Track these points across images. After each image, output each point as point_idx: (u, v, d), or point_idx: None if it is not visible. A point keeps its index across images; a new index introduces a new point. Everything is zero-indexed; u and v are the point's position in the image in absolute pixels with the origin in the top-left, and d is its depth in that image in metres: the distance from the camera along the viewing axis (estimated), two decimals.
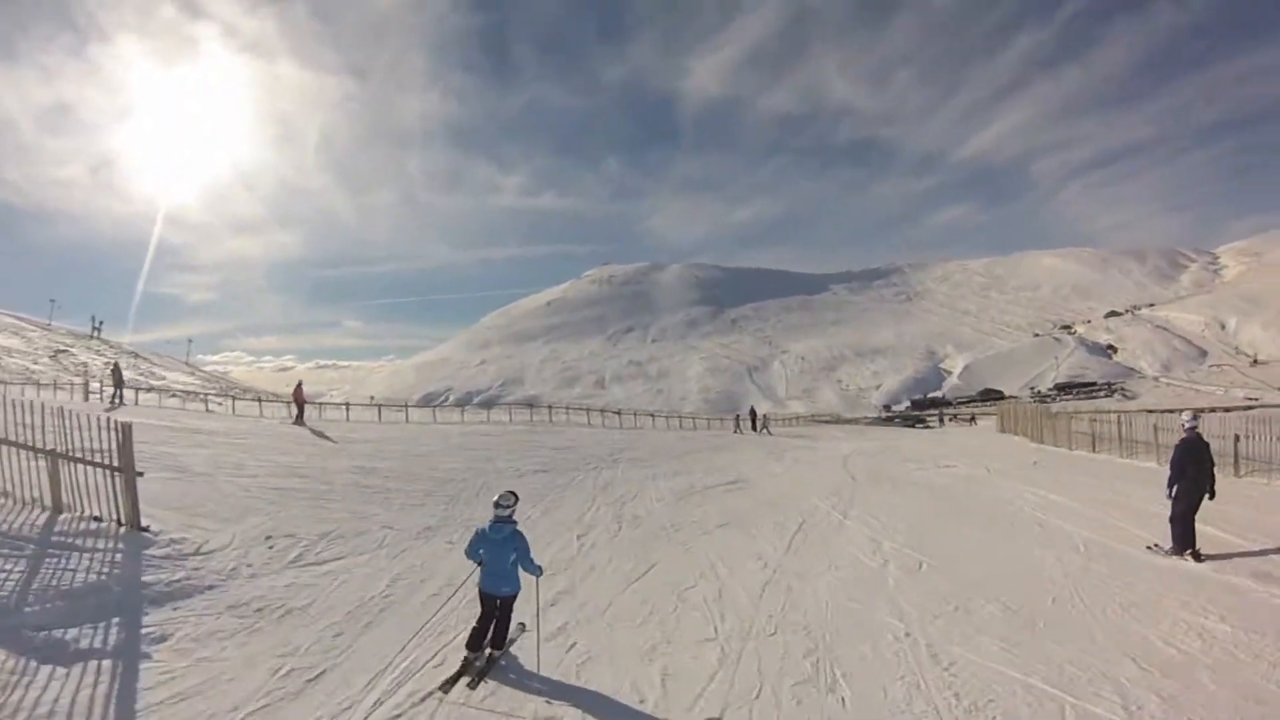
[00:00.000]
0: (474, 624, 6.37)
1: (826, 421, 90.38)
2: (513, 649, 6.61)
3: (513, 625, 6.61)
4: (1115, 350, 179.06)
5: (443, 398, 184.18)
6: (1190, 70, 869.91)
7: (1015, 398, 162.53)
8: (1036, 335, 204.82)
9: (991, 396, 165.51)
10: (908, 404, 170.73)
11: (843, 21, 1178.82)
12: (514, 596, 6.39)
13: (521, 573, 6.39)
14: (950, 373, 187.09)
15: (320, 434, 22.67)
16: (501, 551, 6.25)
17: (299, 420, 25.95)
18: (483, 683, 5.93)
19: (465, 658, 6.19)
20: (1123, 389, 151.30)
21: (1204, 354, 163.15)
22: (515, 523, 6.42)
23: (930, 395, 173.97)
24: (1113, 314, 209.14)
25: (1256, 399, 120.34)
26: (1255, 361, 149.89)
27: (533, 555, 6.43)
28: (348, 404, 37.02)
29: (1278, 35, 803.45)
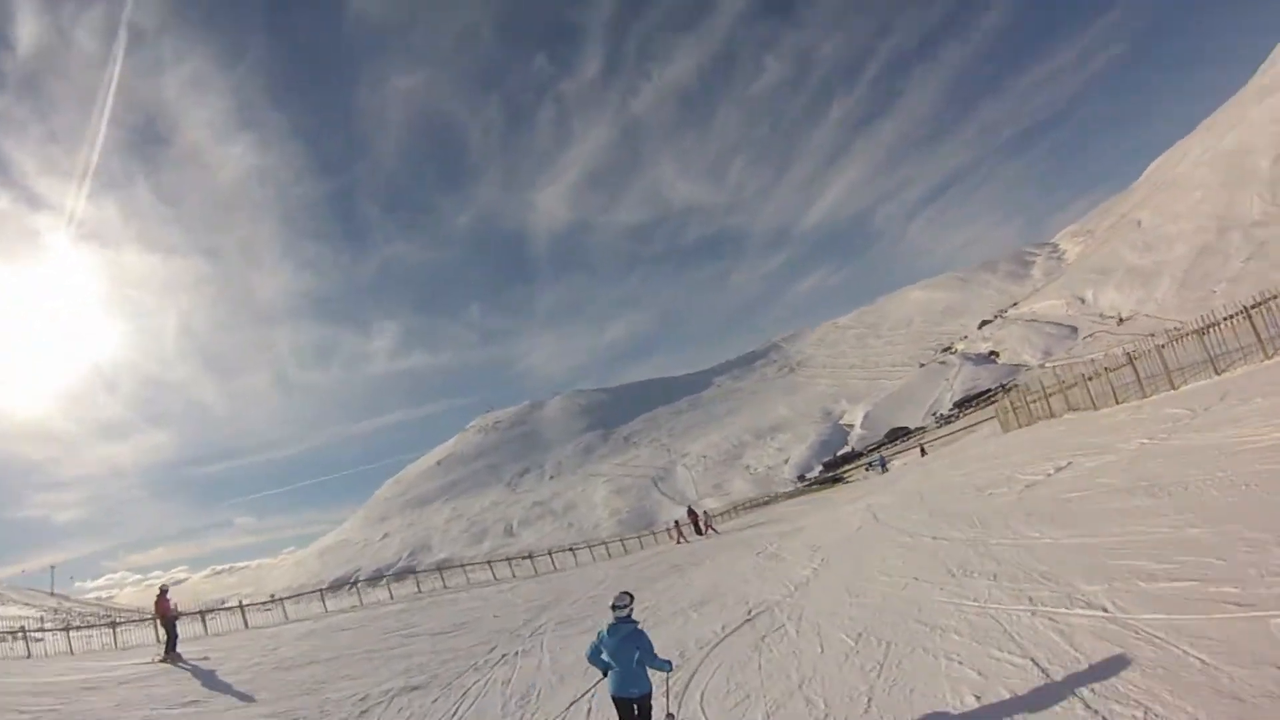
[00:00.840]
0: None
1: (762, 503, 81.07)
2: None
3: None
4: (998, 355, 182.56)
5: (352, 579, 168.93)
6: (985, 94, 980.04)
7: (922, 428, 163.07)
8: (922, 365, 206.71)
9: (899, 434, 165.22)
10: (819, 468, 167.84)
11: (669, 127, 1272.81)
12: (648, 696, 6.19)
13: (651, 672, 6.23)
14: (852, 425, 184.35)
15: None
16: (624, 652, 6.13)
17: (170, 651, 16.97)
18: None
19: None
20: (1016, 384, 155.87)
21: (1074, 330, 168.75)
22: (635, 622, 6.36)
23: (840, 453, 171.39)
24: (985, 323, 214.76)
25: (1133, 349, 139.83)
26: (1121, 320, 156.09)
27: (656, 652, 6.28)
28: (241, 604, 29.81)
29: (1051, 41, 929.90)
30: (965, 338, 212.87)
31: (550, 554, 42.25)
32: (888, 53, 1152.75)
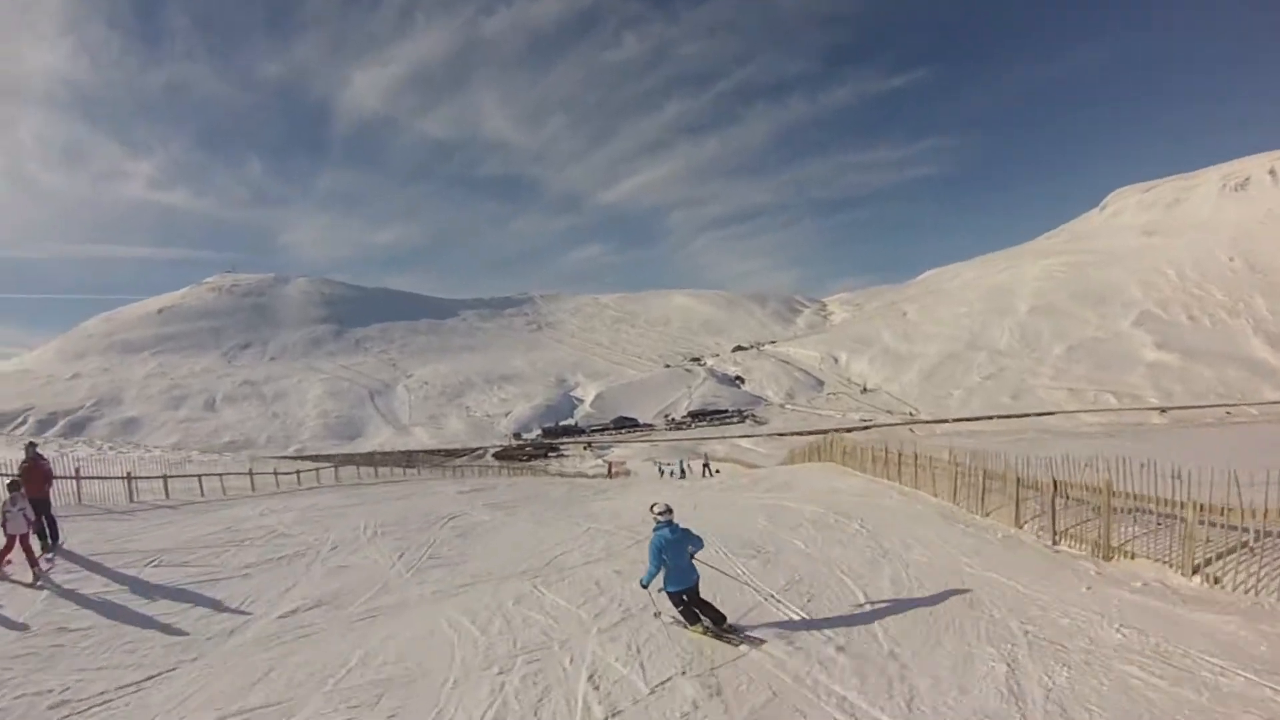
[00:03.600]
0: (688, 615, 7.11)
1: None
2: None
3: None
4: (743, 380, 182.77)
5: (18, 420, 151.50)
6: (811, 154, 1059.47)
7: (651, 425, 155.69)
8: (668, 366, 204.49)
9: (626, 424, 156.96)
10: (539, 431, 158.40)
11: (510, 57, 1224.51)
12: (698, 582, 7.13)
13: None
14: (582, 400, 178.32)
15: None
16: (681, 548, 6.97)
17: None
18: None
19: (719, 627, 7.01)
20: (753, 415, 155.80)
21: (821, 384, 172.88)
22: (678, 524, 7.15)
23: (563, 423, 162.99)
24: (739, 348, 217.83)
25: (870, 419, 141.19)
26: (865, 389, 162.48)
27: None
28: None
29: (883, 139, 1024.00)
30: (716, 355, 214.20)
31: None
32: (741, 79, 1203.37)
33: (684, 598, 6.93)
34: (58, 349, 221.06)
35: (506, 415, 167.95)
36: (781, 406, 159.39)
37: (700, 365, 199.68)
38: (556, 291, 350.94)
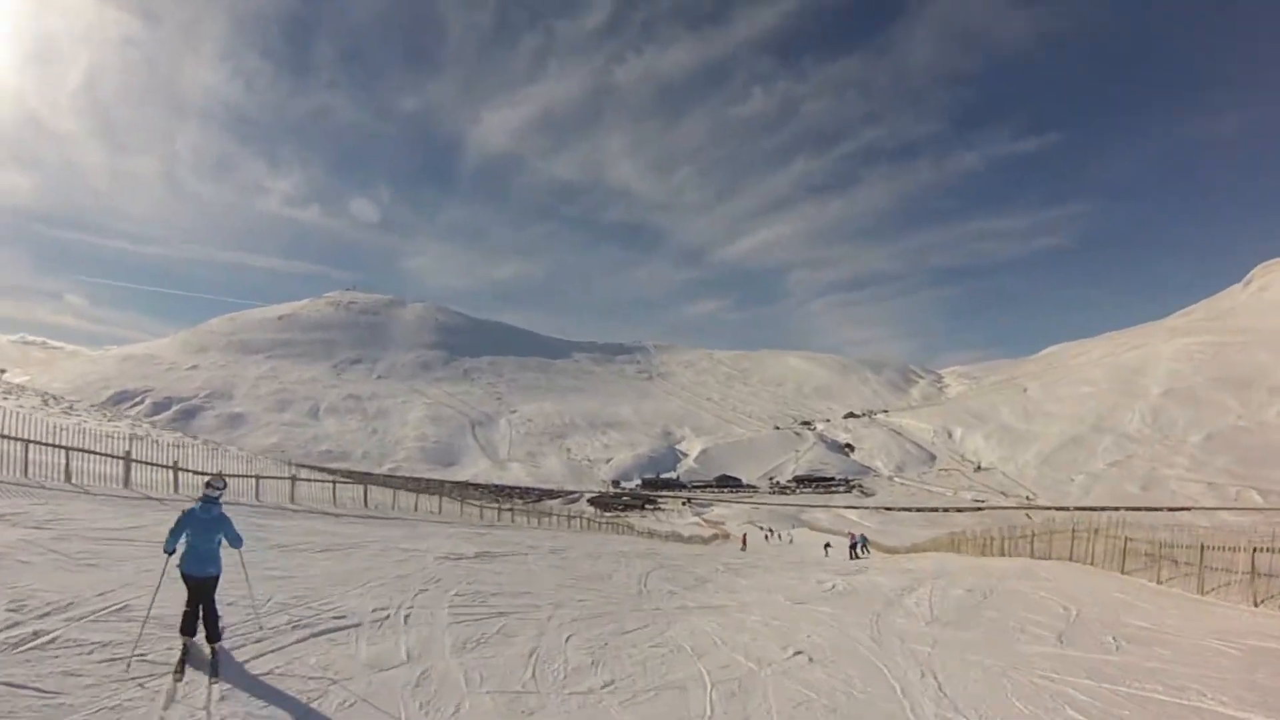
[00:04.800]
0: (184, 608, 6.24)
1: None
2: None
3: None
4: (853, 449, 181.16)
5: (137, 400, 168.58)
6: (934, 221, 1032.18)
7: (754, 486, 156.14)
8: (777, 428, 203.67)
9: (729, 483, 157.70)
10: (639, 481, 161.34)
11: (639, 106, 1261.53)
12: (218, 579, 6.34)
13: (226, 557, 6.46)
14: (686, 455, 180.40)
15: None
16: (210, 532, 6.28)
17: None
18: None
19: (183, 643, 6.12)
20: (860, 485, 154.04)
21: (933, 458, 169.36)
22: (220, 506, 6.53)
23: (664, 475, 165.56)
24: (851, 415, 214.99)
25: (984, 500, 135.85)
26: (979, 468, 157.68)
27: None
28: None
29: (1010, 206, 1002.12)
30: (827, 420, 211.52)
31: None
32: (868, 140, 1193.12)
33: (199, 585, 6.15)
34: (183, 340, 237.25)
35: (608, 461, 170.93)
36: (890, 479, 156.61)
37: (810, 430, 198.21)
38: (671, 343, 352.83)
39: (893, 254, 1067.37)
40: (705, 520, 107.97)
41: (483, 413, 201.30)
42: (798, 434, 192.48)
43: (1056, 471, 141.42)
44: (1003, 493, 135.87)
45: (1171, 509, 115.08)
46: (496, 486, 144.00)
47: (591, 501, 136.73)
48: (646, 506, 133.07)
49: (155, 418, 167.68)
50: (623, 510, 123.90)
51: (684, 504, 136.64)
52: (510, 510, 34.63)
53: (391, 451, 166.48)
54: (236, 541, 6.44)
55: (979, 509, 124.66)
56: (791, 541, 58.94)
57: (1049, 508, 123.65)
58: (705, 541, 48.97)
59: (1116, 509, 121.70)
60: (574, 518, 38.68)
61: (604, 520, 51.46)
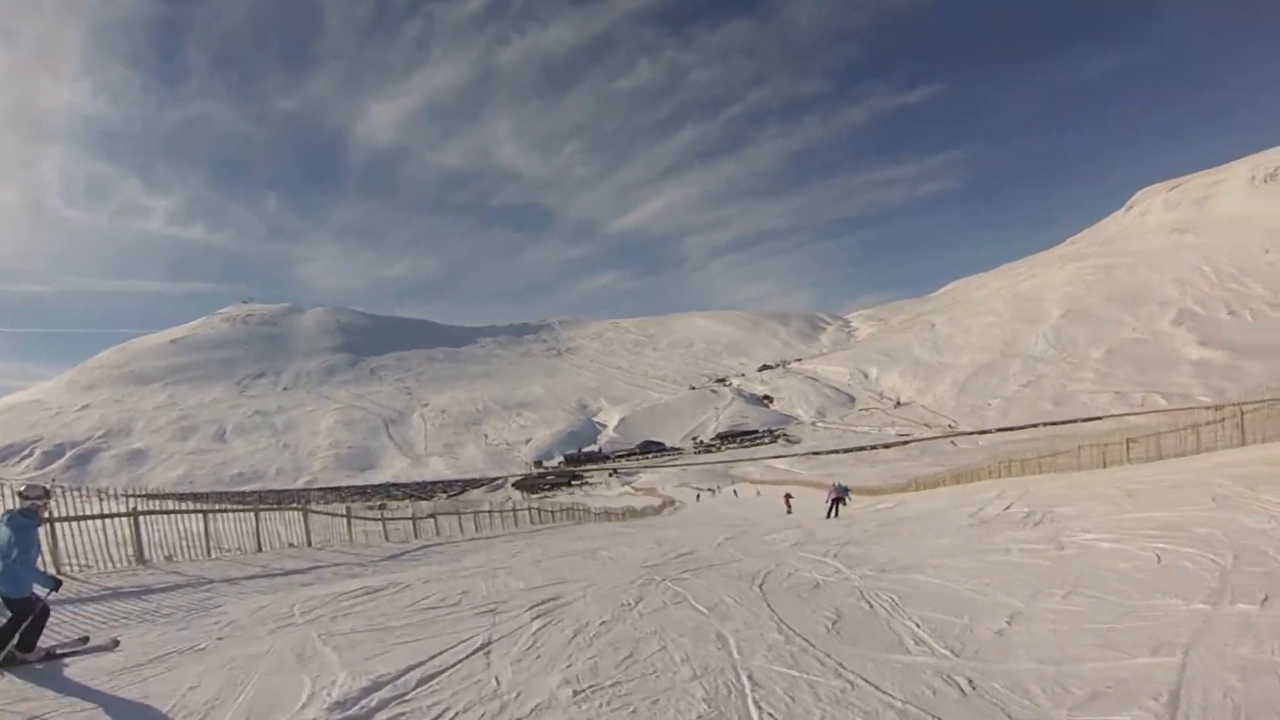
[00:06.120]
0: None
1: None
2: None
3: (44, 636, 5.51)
4: (771, 400, 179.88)
5: (25, 452, 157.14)
6: (824, 175, 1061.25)
7: (678, 449, 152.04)
8: (693, 388, 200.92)
9: (652, 448, 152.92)
10: (561, 459, 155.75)
11: (524, 86, 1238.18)
12: (26, 602, 5.17)
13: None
14: (605, 426, 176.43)
15: None
16: (7, 545, 5.22)
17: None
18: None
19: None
20: (785, 434, 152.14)
21: (853, 399, 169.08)
22: (36, 521, 5.48)
23: (585, 449, 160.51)
24: (765, 367, 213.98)
25: (908, 434, 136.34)
26: (898, 404, 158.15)
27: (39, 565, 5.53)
28: None
29: (898, 156, 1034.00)
30: (742, 375, 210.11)
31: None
32: (756, 102, 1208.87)
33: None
34: (69, 381, 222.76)
35: (527, 443, 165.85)
36: (813, 425, 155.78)
37: (726, 386, 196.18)
38: (575, 316, 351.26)
39: (787, 210, 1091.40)
40: (634, 488, 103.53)
41: (394, 410, 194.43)
42: (714, 391, 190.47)
43: (973, 398, 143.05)
44: (925, 424, 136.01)
45: (1086, 419, 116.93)
46: (418, 484, 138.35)
47: (516, 485, 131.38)
48: (573, 483, 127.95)
49: (48, 469, 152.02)
50: (549, 490, 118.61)
51: (610, 475, 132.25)
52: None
53: (306, 464, 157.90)
54: (42, 581, 5.29)
55: (905, 442, 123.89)
56: (736, 494, 55.81)
57: (972, 432, 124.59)
58: (657, 510, 45.98)
59: (1035, 425, 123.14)
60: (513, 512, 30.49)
61: (534, 505, 41.60)
